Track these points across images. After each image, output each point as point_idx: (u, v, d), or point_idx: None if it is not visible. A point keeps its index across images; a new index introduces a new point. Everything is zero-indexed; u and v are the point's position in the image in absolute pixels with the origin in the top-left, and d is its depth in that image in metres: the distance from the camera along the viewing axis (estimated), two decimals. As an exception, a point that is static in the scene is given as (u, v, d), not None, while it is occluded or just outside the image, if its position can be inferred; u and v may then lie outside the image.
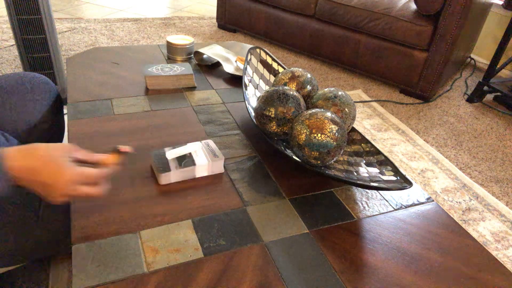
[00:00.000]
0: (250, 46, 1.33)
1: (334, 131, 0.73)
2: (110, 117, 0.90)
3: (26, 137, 0.90)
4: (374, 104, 2.15)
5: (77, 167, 0.54)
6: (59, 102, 1.00)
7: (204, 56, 1.26)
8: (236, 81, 1.17)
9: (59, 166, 0.53)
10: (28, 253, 0.80)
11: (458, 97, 2.38)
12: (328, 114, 0.75)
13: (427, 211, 0.77)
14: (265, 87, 1.05)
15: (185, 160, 0.75)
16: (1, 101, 0.87)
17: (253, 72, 1.03)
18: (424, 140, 1.89)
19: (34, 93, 0.92)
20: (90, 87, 1.01)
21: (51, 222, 0.81)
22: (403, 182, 0.72)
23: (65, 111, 1.58)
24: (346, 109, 0.84)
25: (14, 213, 0.78)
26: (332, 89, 0.86)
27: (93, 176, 0.56)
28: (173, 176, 0.73)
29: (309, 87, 0.92)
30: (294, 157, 0.80)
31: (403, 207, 0.77)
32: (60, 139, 1.02)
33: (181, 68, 1.09)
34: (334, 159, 0.76)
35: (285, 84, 0.92)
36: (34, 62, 1.61)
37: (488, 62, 2.78)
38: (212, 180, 0.76)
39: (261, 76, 1.06)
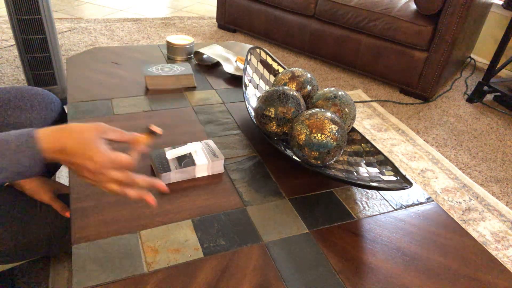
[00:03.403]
0: (250, 46, 1.33)
1: (334, 131, 0.73)
2: (110, 117, 0.90)
3: None
4: (374, 104, 2.15)
5: (110, 152, 0.55)
6: (63, 119, 0.97)
7: (204, 56, 1.26)
8: (236, 81, 1.17)
9: (91, 149, 0.54)
10: (27, 250, 0.80)
11: (458, 97, 2.38)
12: (328, 114, 0.75)
13: (427, 211, 0.77)
14: (265, 87, 1.05)
15: (185, 160, 0.75)
16: None
17: (253, 72, 1.03)
18: (424, 140, 1.89)
19: (32, 111, 0.87)
20: (90, 87, 1.01)
21: (49, 220, 0.81)
22: (403, 182, 0.72)
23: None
24: (346, 109, 0.84)
25: (12, 211, 0.78)
26: (332, 89, 0.86)
27: (123, 162, 0.56)
28: (173, 176, 0.73)
29: (309, 87, 0.92)
30: (294, 157, 0.79)
31: (403, 207, 0.77)
32: None
33: (181, 68, 1.09)
34: (334, 159, 0.76)
35: (285, 84, 0.92)
36: (34, 62, 1.61)
37: (488, 62, 2.78)
38: (212, 180, 0.76)
39: (261, 76, 1.06)
